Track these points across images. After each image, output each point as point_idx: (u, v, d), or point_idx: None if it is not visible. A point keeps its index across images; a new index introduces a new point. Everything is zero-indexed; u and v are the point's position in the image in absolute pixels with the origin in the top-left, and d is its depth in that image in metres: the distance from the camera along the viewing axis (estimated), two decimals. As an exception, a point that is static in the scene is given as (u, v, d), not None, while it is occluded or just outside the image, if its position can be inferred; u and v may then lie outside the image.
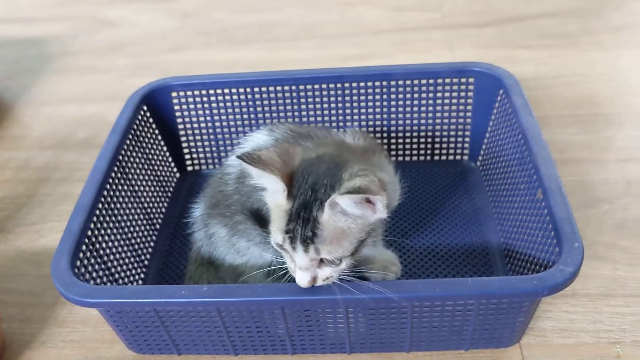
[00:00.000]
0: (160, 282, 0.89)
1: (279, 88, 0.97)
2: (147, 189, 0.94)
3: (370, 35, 1.41)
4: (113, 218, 0.83)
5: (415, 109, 0.98)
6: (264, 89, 0.97)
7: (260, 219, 0.75)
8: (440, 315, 0.69)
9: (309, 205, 0.61)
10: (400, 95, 0.97)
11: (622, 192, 0.96)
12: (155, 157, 0.98)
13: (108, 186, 0.83)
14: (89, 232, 0.76)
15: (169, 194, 1.01)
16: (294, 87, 0.97)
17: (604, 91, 1.17)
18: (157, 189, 0.97)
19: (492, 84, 0.93)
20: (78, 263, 0.72)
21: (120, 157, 0.87)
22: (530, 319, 0.73)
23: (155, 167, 0.97)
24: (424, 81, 0.96)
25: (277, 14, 1.52)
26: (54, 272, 0.69)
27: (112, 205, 0.83)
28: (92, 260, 0.76)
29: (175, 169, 1.04)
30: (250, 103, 0.99)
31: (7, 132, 1.22)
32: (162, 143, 1.01)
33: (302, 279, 0.63)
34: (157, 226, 0.95)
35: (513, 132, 0.86)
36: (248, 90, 0.97)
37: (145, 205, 0.93)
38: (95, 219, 0.78)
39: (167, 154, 1.02)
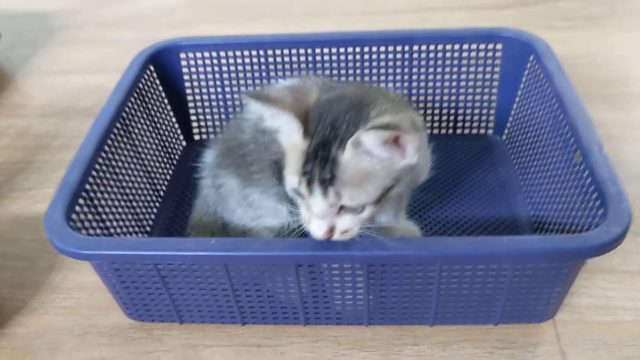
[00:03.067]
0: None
1: (294, 51, 0.91)
2: (151, 152, 0.88)
3: (387, 15, 1.36)
4: (114, 176, 0.77)
5: (439, 77, 0.93)
6: (277, 52, 0.92)
7: (279, 171, 0.70)
8: (470, 282, 0.62)
9: (328, 144, 0.54)
10: (423, 62, 0.92)
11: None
12: (160, 121, 0.92)
13: (110, 142, 0.77)
14: (87, 186, 0.70)
15: (175, 162, 0.95)
16: (309, 51, 0.91)
17: (630, 72, 1.11)
18: (162, 154, 0.91)
19: (521, 51, 0.87)
20: (74, 216, 0.66)
21: (124, 115, 0.81)
22: (566, 291, 0.67)
23: (161, 132, 0.92)
24: (448, 47, 0.90)
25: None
26: (47, 222, 0.63)
27: (114, 163, 0.77)
28: (90, 217, 0.70)
29: (181, 137, 0.98)
30: (263, 67, 0.93)
31: (6, 100, 1.17)
32: (169, 107, 0.95)
33: (318, 229, 0.56)
34: (161, 192, 0.89)
35: (545, 98, 0.80)
36: (261, 53, 0.92)
37: (149, 169, 0.87)
38: (94, 173, 0.72)
39: (174, 119, 0.96)
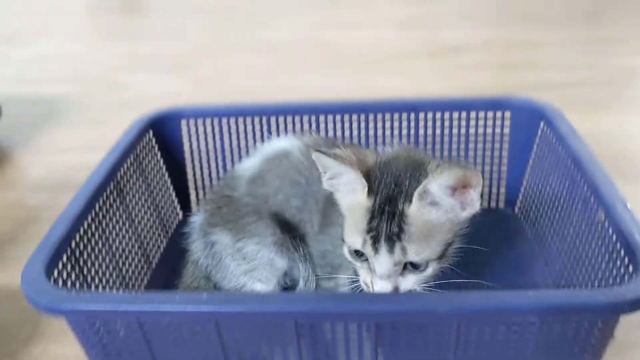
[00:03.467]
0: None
1: (297, 118, 0.89)
2: (145, 219, 0.83)
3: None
4: (103, 238, 0.72)
5: (446, 146, 0.90)
6: (281, 119, 0.89)
7: (282, 222, 0.67)
8: (491, 343, 0.56)
9: (394, 199, 0.55)
10: (430, 131, 0.89)
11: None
12: (157, 188, 0.88)
13: (101, 201, 0.72)
14: (72, 243, 0.65)
15: (170, 232, 0.90)
16: (313, 118, 0.89)
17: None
18: (157, 223, 0.87)
19: (531, 117, 0.85)
20: (55, 273, 0.61)
21: (118, 176, 0.77)
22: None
23: (157, 199, 0.88)
24: (455, 114, 0.88)
25: (294, 80, 1.48)
26: (24, 276, 0.58)
27: (104, 224, 0.72)
28: (73, 277, 0.64)
29: (178, 207, 0.94)
30: (265, 134, 0.90)
31: (1, 175, 1.14)
32: (167, 175, 0.91)
33: (383, 290, 0.55)
34: (153, 263, 0.84)
35: (561, 162, 0.77)
36: (264, 120, 0.90)
37: (142, 237, 0.82)
38: (81, 231, 0.67)
39: (171, 188, 0.92)
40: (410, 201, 0.54)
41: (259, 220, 0.69)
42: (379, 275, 0.55)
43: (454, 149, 0.90)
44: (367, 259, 0.56)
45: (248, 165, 0.74)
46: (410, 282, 0.56)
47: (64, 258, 0.63)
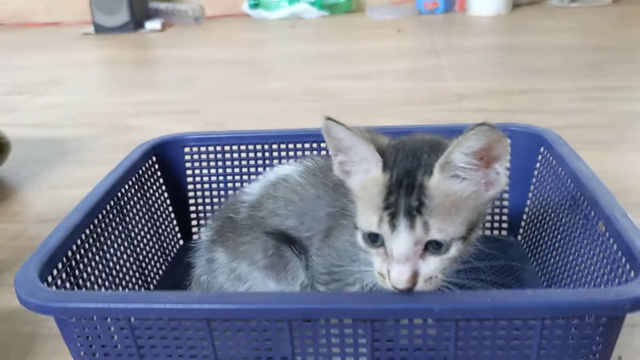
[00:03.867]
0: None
1: (299, 146, 0.90)
2: (144, 241, 0.83)
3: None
4: (101, 253, 0.72)
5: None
6: (282, 146, 0.90)
7: (283, 236, 0.66)
8: (491, 350, 0.54)
9: (412, 172, 0.51)
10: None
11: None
12: (158, 213, 0.88)
13: (100, 217, 0.73)
14: (69, 253, 0.65)
15: (169, 259, 0.90)
16: (314, 145, 0.90)
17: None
18: (157, 248, 0.86)
19: (531, 143, 0.86)
20: (49, 279, 0.60)
21: (119, 195, 0.78)
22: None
23: (157, 224, 0.87)
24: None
25: (298, 124, 1.49)
26: (18, 278, 0.57)
27: (102, 240, 0.72)
28: (68, 286, 0.64)
29: (179, 235, 0.94)
30: (267, 162, 0.91)
31: (6, 208, 1.15)
32: (168, 202, 0.92)
33: (400, 275, 0.50)
34: (151, 286, 0.83)
35: (561, 183, 0.77)
36: (266, 147, 0.91)
37: (141, 259, 0.81)
38: (79, 242, 0.67)
39: (172, 215, 0.92)
40: (431, 173, 0.51)
41: (252, 241, 0.68)
42: (396, 257, 0.51)
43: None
44: (382, 245, 0.52)
45: (251, 190, 0.73)
46: (432, 265, 0.51)
47: (59, 265, 0.63)
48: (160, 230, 0.88)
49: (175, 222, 0.93)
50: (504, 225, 0.91)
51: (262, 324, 0.54)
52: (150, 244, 0.85)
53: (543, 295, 0.51)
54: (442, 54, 2.09)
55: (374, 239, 0.53)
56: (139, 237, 0.81)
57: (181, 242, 0.94)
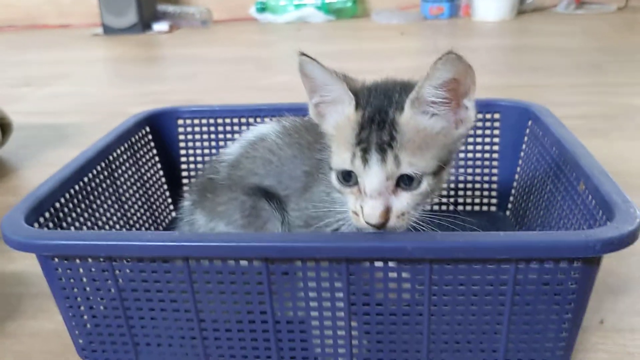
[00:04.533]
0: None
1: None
2: (135, 207, 0.84)
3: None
4: (89, 211, 0.73)
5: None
6: (274, 119, 0.91)
7: (260, 191, 0.67)
8: (466, 296, 0.54)
9: (384, 110, 0.53)
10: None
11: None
12: (150, 182, 0.90)
13: (90, 175, 0.74)
14: (57, 204, 0.66)
15: (161, 229, 0.91)
16: (306, 118, 0.91)
17: (630, 168, 1.09)
18: (148, 215, 0.87)
19: (519, 117, 0.86)
20: (36, 225, 0.61)
21: (110, 158, 0.79)
22: (578, 323, 0.57)
23: (149, 193, 0.89)
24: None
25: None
26: (4, 221, 0.58)
27: (91, 198, 0.74)
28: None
29: (171, 207, 0.95)
30: (259, 134, 0.92)
31: (6, 183, 1.17)
32: (161, 173, 0.93)
33: (374, 210, 0.51)
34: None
35: (546, 152, 0.77)
36: (259, 120, 0.92)
37: (131, 223, 0.82)
38: (67, 196, 0.69)
39: (165, 186, 0.94)
40: (402, 109, 0.53)
41: (230, 201, 0.68)
42: (369, 192, 0.52)
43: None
44: (356, 183, 0.54)
45: (230, 150, 0.74)
46: (403, 201, 0.52)
47: (47, 215, 0.64)
48: (152, 200, 0.89)
49: (167, 193, 0.94)
50: (493, 200, 0.92)
51: (240, 266, 0.55)
52: (142, 210, 0.86)
53: (515, 236, 0.52)
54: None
55: (347, 178, 0.54)
56: (129, 202, 0.83)
57: (173, 214, 0.95)
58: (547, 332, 0.57)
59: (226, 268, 0.55)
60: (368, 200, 0.52)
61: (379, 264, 0.54)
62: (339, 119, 0.56)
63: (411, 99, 0.52)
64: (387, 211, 0.52)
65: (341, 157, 0.54)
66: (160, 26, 2.93)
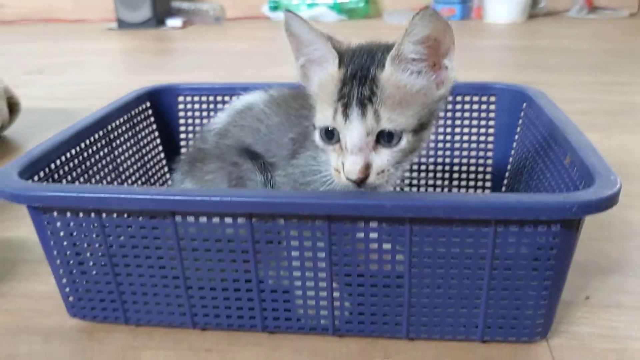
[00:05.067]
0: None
1: (289, 97, 0.92)
2: (133, 179, 0.85)
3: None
4: (85, 175, 0.74)
5: (438, 129, 0.91)
6: (273, 97, 0.93)
7: (248, 152, 0.68)
8: (445, 262, 0.55)
9: (366, 67, 0.54)
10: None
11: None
12: (149, 155, 0.91)
13: (87, 142, 0.76)
14: (52, 165, 0.68)
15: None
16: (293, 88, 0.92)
17: (626, 158, 1.10)
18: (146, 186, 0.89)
19: (514, 99, 0.87)
20: (30, 181, 0.63)
21: (109, 128, 0.81)
22: (558, 296, 0.58)
23: (148, 166, 0.90)
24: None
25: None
26: (-1, 172, 0.60)
27: (88, 163, 0.75)
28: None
29: (170, 181, 0.96)
30: (257, 113, 0.93)
31: (10, 160, 1.18)
32: (160, 148, 0.94)
33: (354, 165, 0.53)
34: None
35: (539, 133, 0.77)
36: (255, 97, 0.93)
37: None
38: (63, 158, 0.70)
39: (164, 162, 0.95)
40: (383, 66, 0.54)
41: (218, 170, 0.70)
42: (350, 147, 0.53)
43: (447, 132, 0.91)
44: (338, 141, 0.55)
45: (218, 119, 0.76)
46: (383, 158, 0.54)
47: (41, 174, 0.65)
48: (150, 173, 0.91)
49: (166, 168, 0.96)
50: (488, 183, 0.92)
51: (224, 223, 0.56)
52: (139, 182, 0.87)
53: (495, 197, 0.53)
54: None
55: (330, 135, 0.55)
56: (127, 172, 0.84)
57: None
58: (527, 300, 0.57)
59: (211, 225, 0.56)
60: (349, 156, 0.53)
61: (360, 223, 0.55)
62: (323, 77, 0.57)
63: (392, 55, 0.54)
64: (367, 167, 0.53)
65: (324, 114, 0.55)
66: (174, 22, 2.96)
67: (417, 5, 3.01)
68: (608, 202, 0.51)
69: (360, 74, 0.54)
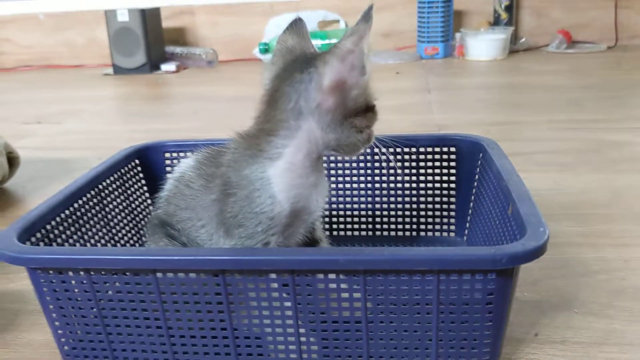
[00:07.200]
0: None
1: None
2: (125, 239, 0.93)
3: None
4: (77, 233, 0.82)
5: (399, 178, 0.99)
6: (252, 152, 1.00)
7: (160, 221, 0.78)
8: (397, 305, 0.62)
9: None
10: (384, 164, 0.99)
11: (619, 267, 0.90)
12: (140, 214, 0.98)
13: (80, 202, 0.83)
14: (47, 226, 0.75)
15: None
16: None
17: (594, 199, 1.16)
18: (135, 240, 0.96)
19: (472, 150, 0.95)
20: (27, 243, 0.70)
21: (100, 187, 0.88)
22: (501, 336, 0.65)
23: (139, 225, 0.97)
24: (406, 149, 0.98)
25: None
26: (-2, 237, 0.67)
27: (81, 222, 0.82)
28: (44, 253, 0.74)
29: (158, 232, 1.04)
30: (238, 166, 1.01)
31: (11, 213, 1.26)
32: (149, 202, 1.02)
33: None
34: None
35: (490, 181, 0.85)
36: (237, 153, 1.01)
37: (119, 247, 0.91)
38: (57, 219, 0.77)
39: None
40: None
41: (158, 241, 0.77)
42: None
43: (413, 180, 0.99)
44: None
45: (166, 186, 0.83)
46: None
47: (38, 235, 0.73)
48: (139, 226, 0.98)
49: (155, 220, 1.03)
50: (452, 227, 1.00)
51: (201, 278, 0.64)
52: (129, 235, 0.94)
53: (435, 250, 0.60)
54: (433, 91, 2.21)
55: None
56: (117, 227, 0.91)
57: (160, 239, 1.04)
58: (473, 340, 0.64)
59: (188, 280, 0.64)
60: None
61: (320, 276, 0.62)
62: None
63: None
64: None
65: None
66: (168, 66, 3.07)
67: (401, 44, 3.12)
68: (535, 254, 0.58)
69: None
